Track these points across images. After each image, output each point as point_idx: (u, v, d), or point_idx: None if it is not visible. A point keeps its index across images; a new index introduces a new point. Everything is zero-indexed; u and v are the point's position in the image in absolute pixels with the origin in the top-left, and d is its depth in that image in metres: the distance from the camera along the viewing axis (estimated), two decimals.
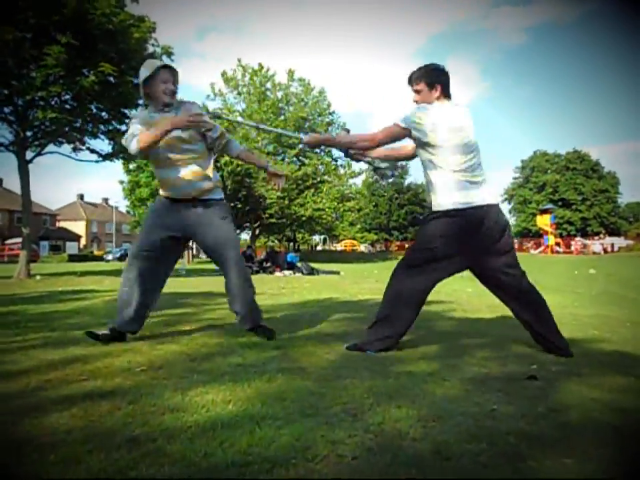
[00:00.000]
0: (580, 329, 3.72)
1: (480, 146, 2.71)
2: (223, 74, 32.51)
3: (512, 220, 65.46)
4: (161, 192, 3.10)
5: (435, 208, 2.64)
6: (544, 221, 40.51)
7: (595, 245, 38.31)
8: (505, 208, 65.23)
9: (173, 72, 2.94)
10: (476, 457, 1.38)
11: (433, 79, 2.66)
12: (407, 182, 71.11)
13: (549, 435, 1.55)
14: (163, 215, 3.05)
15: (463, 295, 6.42)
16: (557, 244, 39.77)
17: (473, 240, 2.60)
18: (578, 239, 44.64)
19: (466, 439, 1.50)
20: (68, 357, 2.60)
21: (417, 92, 2.72)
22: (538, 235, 48.99)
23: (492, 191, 2.68)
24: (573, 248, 38.42)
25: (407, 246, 58.61)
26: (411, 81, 2.76)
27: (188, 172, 2.93)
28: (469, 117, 2.68)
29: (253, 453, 1.38)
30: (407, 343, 2.99)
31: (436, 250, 2.63)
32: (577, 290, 8.43)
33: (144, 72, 2.88)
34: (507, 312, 4.19)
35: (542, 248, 39.71)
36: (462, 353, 2.71)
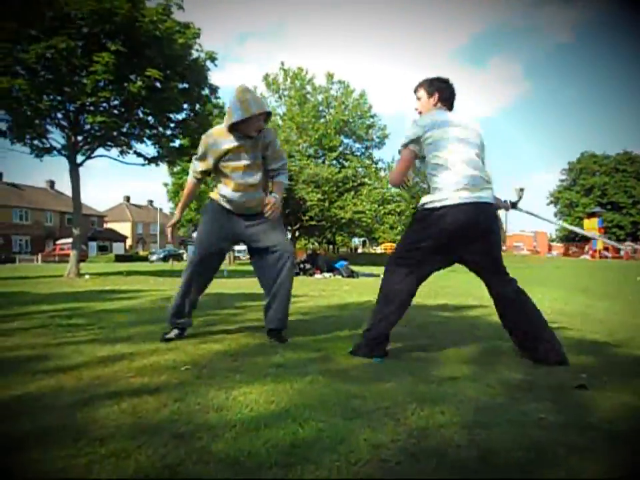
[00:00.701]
0: (632, 337, 3.57)
1: (486, 149, 2.76)
2: (265, 77, 32.90)
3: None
4: (220, 195, 3.14)
5: (423, 204, 2.66)
6: (591, 225, 39.17)
7: None
8: (551, 211, 63.44)
9: (269, 115, 3.08)
10: (523, 467, 1.34)
11: (431, 87, 2.78)
12: None
13: (600, 447, 1.49)
14: (221, 220, 3.15)
15: None
16: (606, 248, 38.35)
17: (458, 238, 2.58)
18: (627, 243, 42.90)
19: (513, 447, 1.47)
20: (116, 354, 2.68)
21: (418, 99, 2.84)
22: (585, 239, 47.39)
23: (489, 192, 2.66)
24: (622, 253, 36.93)
25: None
26: (415, 90, 2.87)
27: (254, 179, 3.07)
28: (470, 122, 2.72)
29: (296, 454, 1.39)
30: (449, 347, 2.96)
31: (424, 248, 2.63)
32: (628, 297, 8.09)
33: (239, 112, 2.88)
34: (555, 317, 4.07)
35: (589, 252, 38.36)
36: (506, 360, 2.65)
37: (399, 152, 2.76)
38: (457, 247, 2.63)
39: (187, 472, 1.29)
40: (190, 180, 3.26)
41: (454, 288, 8.53)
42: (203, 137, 3.10)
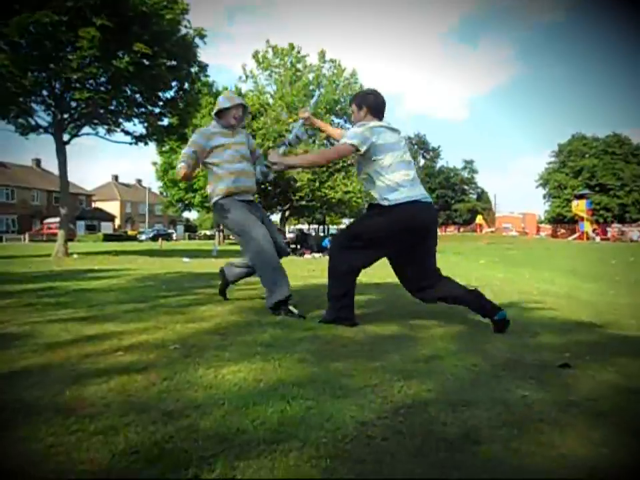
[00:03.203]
0: (617, 318, 3.63)
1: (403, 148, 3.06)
2: (254, 55, 32.41)
3: (546, 205, 64.14)
4: (227, 189, 3.52)
5: (375, 202, 2.94)
6: (580, 207, 39.51)
7: (634, 232, 37.12)
8: (540, 193, 63.80)
9: (245, 108, 3.70)
10: (507, 443, 1.37)
11: (360, 102, 3.11)
12: (438, 165, 70.25)
13: (583, 424, 1.53)
14: (244, 207, 3.55)
15: (494, 281, 6.33)
16: (594, 230, 38.72)
17: (402, 233, 2.90)
18: (615, 225, 43.34)
19: (496, 424, 1.50)
20: (105, 333, 2.68)
21: (352, 112, 3.20)
22: (573, 221, 47.81)
23: (422, 190, 2.98)
24: (609, 235, 37.34)
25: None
26: (349, 104, 3.26)
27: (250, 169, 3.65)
28: (397, 132, 3.07)
29: (284, 432, 1.41)
30: (436, 327, 2.99)
31: (375, 239, 2.96)
32: (615, 278, 8.21)
33: (225, 102, 3.57)
34: (541, 298, 4.13)
35: (577, 234, 38.74)
36: (493, 339, 2.68)
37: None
38: (402, 241, 2.94)
39: (175, 449, 1.30)
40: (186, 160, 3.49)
41: (442, 270, 8.58)
42: (199, 130, 3.67)
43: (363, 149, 2.89)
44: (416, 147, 70.86)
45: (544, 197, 64.25)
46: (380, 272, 6.92)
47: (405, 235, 2.90)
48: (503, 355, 2.34)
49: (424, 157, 71.47)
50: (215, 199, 3.57)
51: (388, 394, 1.74)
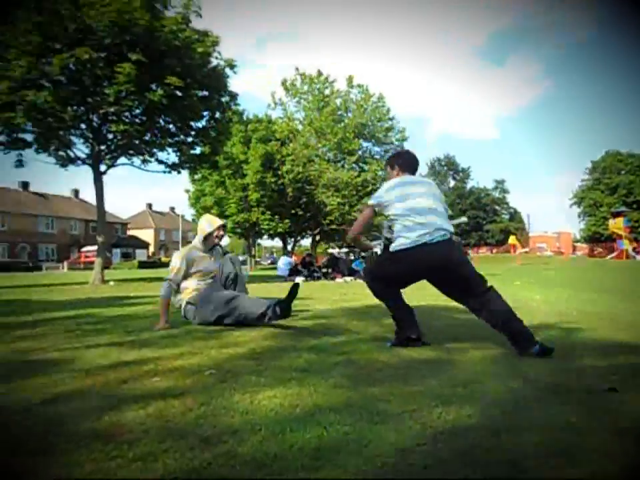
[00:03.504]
0: None
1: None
2: (283, 82, 33.08)
3: (581, 224, 62.57)
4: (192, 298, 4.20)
5: (395, 247, 3.11)
6: (617, 225, 38.33)
7: None
8: (574, 212, 62.39)
9: (225, 227, 4.49)
10: (555, 472, 1.32)
11: (391, 162, 3.48)
12: (468, 186, 69.59)
13: (636, 452, 1.45)
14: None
15: (531, 303, 6.16)
16: (634, 249, 37.45)
17: (427, 270, 3.11)
18: None
19: (543, 453, 1.44)
20: (142, 358, 2.71)
21: (388, 173, 3.51)
22: (610, 239, 46.39)
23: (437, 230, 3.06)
24: None
25: (469, 252, 57.22)
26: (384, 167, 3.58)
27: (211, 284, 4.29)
28: (423, 183, 3.32)
29: (322, 458, 1.39)
30: (474, 349, 2.92)
31: (399, 279, 3.26)
32: None
33: (208, 227, 4.31)
34: (581, 319, 4.01)
35: (615, 253, 37.52)
36: (533, 362, 2.60)
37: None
38: (424, 277, 3.18)
39: (214, 475, 1.29)
40: (165, 295, 4.14)
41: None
42: (181, 251, 4.41)
43: (377, 208, 3.24)
44: (445, 168, 70.46)
45: (579, 215, 62.71)
46: (415, 293, 6.84)
47: (422, 273, 3.15)
48: (545, 378, 2.26)
49: (454, 178, 70.91)
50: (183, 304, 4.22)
51: (427, 419, 1.70)
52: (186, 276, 4.19)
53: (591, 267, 23.85)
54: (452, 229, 3.14)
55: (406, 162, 3.45)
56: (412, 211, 3.08)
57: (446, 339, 3.28)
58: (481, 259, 38.00)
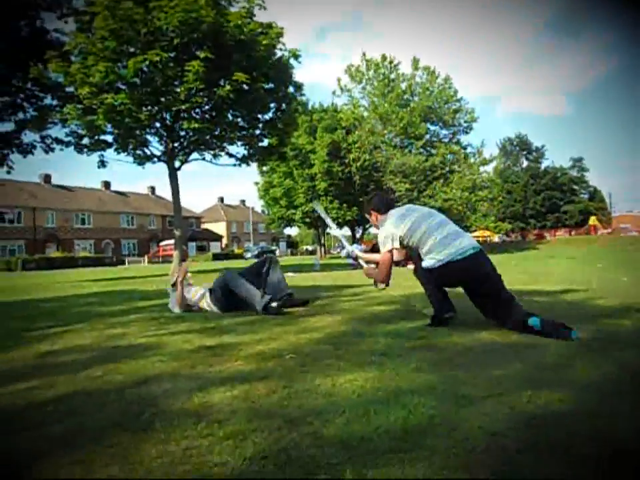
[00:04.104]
0: None
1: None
2: (347, 69, 32.81)
3: None
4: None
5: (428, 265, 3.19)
6: None
7: None
8: None
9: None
10: None
11: (374, 207, 3.50)
12: (543, 166, 66.25)
13: None
14: None
15: (618, 284, 5.78)
16: None
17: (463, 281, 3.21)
18: None
19: None
20: (223, 344, 2.80)
21: (372, 220, 3.57)
22: None
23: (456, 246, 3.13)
24: None
25: (545, 234, 54.54)
26: (366, 210, 3.63)
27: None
28: (415, 210, 3.41)
29: (409, 440, 1.37)
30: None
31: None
32: None
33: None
34: None
35: None
36: (628, 348, 2.43)
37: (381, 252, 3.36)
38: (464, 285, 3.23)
39: (302, 455, 1.31)
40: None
41: (557, 274, 8.03)
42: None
43: (397, 245, 3.26)
44: (517, 148, 67.41)
45: None
46: None
47: (457, 284, 3.25)
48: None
49: (527, 158, 67.63)
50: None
51: (516, 404, 1.63)
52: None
53: None
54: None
55: (386, 201, 3.58)
56: (434, 230, 3.19)
57: None
58: (558, 242, 36.17)
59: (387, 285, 3.47)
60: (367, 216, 3.69)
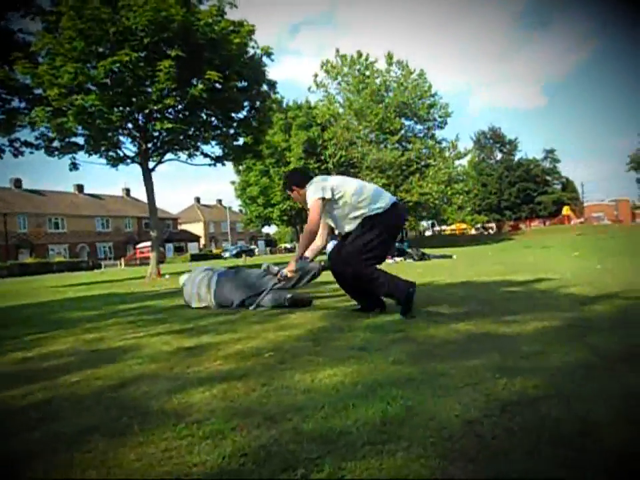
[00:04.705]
0: None
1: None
2: (323, 64, 32.76)
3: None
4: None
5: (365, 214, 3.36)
6: None
7: None
8: (632, 177, 59.24)
9: None
10: (629, 441, 1.26)
11: (294, 184, 3.64)
12: (516, 157, 67.27)
13: None
14: None
15: (592, 273, 5.92)
16: None
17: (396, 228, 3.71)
18: None
19: (616, 421, 1.38)
20: (202, 344, 2.79)
21: (295, 195, 3.68)
22: None
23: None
24: None
25: (520, 225, 55.40)
26: (286, 188, 3.80)
27: None
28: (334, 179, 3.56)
29: (388, 432, 1.38)
30: (534, 322, 2.83)
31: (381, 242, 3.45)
32: None
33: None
34: None
35: None
36: (601, 334, 2.49)
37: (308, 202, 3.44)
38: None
39: (281, 451, 1.31)
40: None
41: (532, 264, 8.18)
42: None
43: (328, 195, 3.33)
44: (491, 141, 68.30)
45: (637, 180, 59.62)
46: (466, 272, 6.73)
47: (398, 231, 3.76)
48: (615, 348, 2.17)
49: (501, 151, 68.57)
50: None
51: (491, 391, 1.67)
52: None
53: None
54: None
55: (303, 174, 3.77)
56: (363, 187, 3.41)
57: (504, 313, 3.20)
58: (533, 232, 36.81)
59: (324, 247, 3.72)
60: (289, 193, 3.76)
